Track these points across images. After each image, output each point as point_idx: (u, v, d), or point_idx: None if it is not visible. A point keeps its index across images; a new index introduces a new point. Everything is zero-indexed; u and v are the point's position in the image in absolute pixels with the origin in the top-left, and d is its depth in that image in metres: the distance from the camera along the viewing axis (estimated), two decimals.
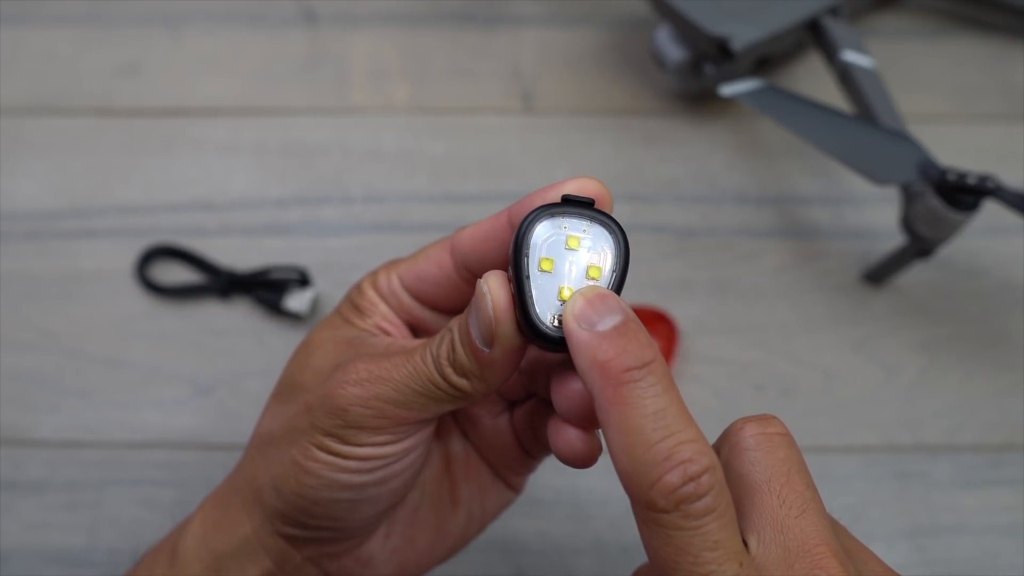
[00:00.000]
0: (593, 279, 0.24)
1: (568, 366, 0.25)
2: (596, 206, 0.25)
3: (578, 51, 0.53)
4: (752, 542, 0.23)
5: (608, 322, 0.23)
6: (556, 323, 0.24)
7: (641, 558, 0.40)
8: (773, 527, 0.23)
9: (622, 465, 0.22)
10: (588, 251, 0.24)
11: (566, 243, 0.24)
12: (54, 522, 0.40)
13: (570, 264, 0.24)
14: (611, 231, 0.24)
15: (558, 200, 0.25)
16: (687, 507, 0.22)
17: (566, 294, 0.24)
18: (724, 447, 0.25)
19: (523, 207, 0.26)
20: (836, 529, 0.24)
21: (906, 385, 0.44)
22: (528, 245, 0.24)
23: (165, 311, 0.45)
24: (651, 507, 0.22)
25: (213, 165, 0.49)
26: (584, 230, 0.24)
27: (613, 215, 0.25)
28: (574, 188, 0.25)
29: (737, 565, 0.22)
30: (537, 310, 0.24)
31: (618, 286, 0.24)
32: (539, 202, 0.25)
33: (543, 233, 0.24)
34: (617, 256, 0.24)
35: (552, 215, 0.24)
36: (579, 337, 0.23)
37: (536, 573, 0.40)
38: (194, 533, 0.30)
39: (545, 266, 0.24)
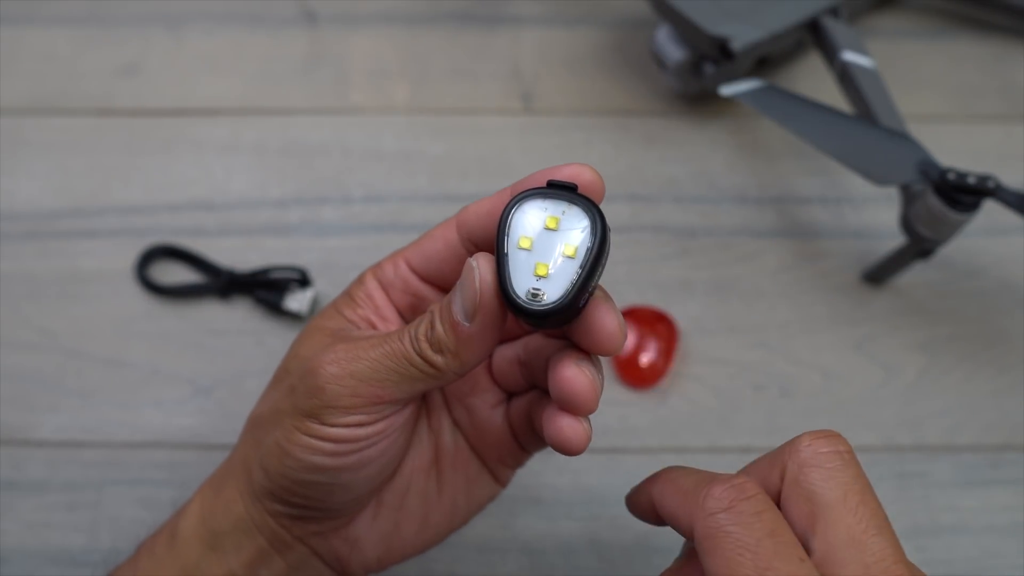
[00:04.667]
0: (568, 257, 0.25)
1: (563, 352, 0.26)
2: (586, 192, 0.26)
3: (578, 51, 0.53)
4: (827, 561, 0.24)
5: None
6: (529, 296, 0.25)
7: (641, 557, 0.40)
8: (851, 543, 0.23)
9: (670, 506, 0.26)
10: (565, 231, 0.25)
11: (545, 223, 0.26)
12: (54, 522, 0.40)
13: (547, 243, 0.25)
14: (589, 213, 0.26)
15: (544, 185, 0.26)
16: (740, 503, 0.23)
17: (541, 270, 0.25)
18: (791, 462, 0.25)
19: (523, 186, 0.27)
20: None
21: (906, 385, 0.44)
22: (508, 225, 0.26)
23: (165, 311, 0.45)
24: (705, 511, 0.24)
25: (213, 165, 0.49)
26: (563, 212, 0.26)
27: (600, 201, 0.26)
28: (568, 174, 0.26)
29: (798, 560, 0.23)
30: (513, 284, 0.25)
31: (592, 265, 0.25)
32: (534, 182, 0.27)
33: (525, 214, 0.26)
34: (592, 236, 0.25)
35: (535, 198, 0.26)
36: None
37: (536, 573, 0.40)
38: (192, 513, 0.31)
39: (524, 244, 0.25)
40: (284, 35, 0.53)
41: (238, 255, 0.46)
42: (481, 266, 0.26)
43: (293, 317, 0.45)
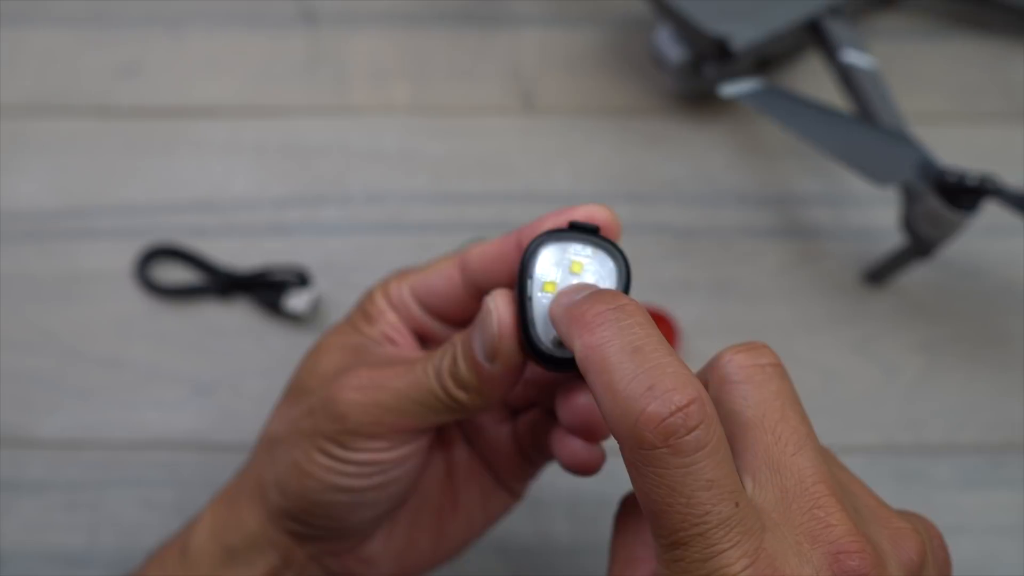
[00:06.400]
0: None
1: (573, 380, 0.26)
2: (603, 232, 0.26)
3: (578, 51, 0.53)
4: (747, 483, 0.22)
5: (584, 293, 0.23)
6: (555, 343, 0.24)
7: None
8: (768, 466, 0.22)
9: (606, 407, 0.21)
10: (590, 275, 0.25)
11: (570, 267, 0.25)
12: (54, 522, 0.40)
13: None
14: (614, 258, 0.25)
15: (565, 226, 0.26)
16: (676, 441, 0.20)
17: None
18: (711, 380, 0.24)
19: (532, 230, 0.26)
20: (830, 462, 0.23)
21: (906, 385, 0.44)
22: (532, 268, 0.25)
23: (165, 311, 0.45)
24: (639, 444, 0.20)
25: (213, 165, 0.49)
26: (588, 256, 0.25)
27: (617, 239, 0.26)
28: (584, 214, 0.26)
29: (733, 505, 0.20)
30: (538, 330, 0.25)
31: None
32: (548, 226, 0.26)
33: (548, 257, 0.25)
34: (619, 281, 0.25)
35: (558, 240, 0.25)
36: (557, 310, 0.23)
37: (536, 573, 0.40)
38: (204, 529, 0.31)
39: (548, 288, 0.25)
40: (284, 35, 0.53)
41: (238, 255, 0.46)
42: (500, 308, 0.25)
43: (293, 318, 0.45)
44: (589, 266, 0.25)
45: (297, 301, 0.44)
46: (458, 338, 0.27)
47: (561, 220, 0.26)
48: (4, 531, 0.40)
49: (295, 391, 0.30)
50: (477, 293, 0.28)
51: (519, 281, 0.25)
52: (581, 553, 0.40)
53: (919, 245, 0.42)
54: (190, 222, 0.47)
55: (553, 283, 0.25)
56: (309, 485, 0.28)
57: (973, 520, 0.41)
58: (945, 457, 0.42)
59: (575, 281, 0.25)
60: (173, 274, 0.46)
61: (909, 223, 0.42)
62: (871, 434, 0.43)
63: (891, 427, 0.43)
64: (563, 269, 0.25)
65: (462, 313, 0.29)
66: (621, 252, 0.25)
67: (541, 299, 0.25)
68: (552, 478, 0.41)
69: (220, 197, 0.48)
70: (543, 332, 0.24)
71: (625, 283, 0.25)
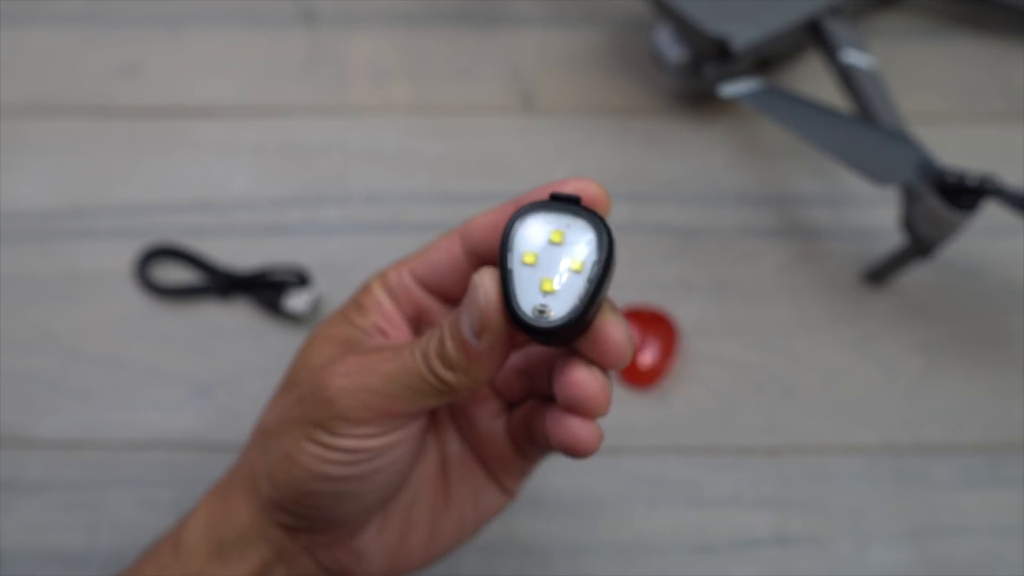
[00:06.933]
0: (575, 271, 0.25)
1: (570, 357, 0.26)
2: (591, 206, 0.26)
3: (578, 51, 0.53)
4: None
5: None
6: (536, 313, 0.25)
7: (640, 556, 0.40)
8: None
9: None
10: (570, 245, 0.25)
11: (549, 238, 0.25)
12: (54, 523, 0.40)
13: (552, 257, 0.25)
14: (594, 225, 0.25)
15: (546, 198, 0.26)
16: None
17: (547, 286, 0.25)
18: None
19: (527, 199, 0.27)
20: None
21: (906, 385, 0.44)
22: (512, 241, 0.25)
23: (165, 311, 0.45)
24: None
25: (213, 165, 0.49)
26: (568, 225, 0.25)
27: (607, 214, 0.26)
28: (573, 187, 0.26)
29: None
30: (519, 301, 0.25)
31: (599, 278, 0.25)
32: (535, 197, 0.26)
33: (528, 229, 0.25)
34: (599, 249, 0.25)
35: (538, 212, 0.25)
36: None
37: (536, 573, 0.40)
38: (197, 522, 0.31)
39: (528, 260, 0.25)
40: (284, 35, 0.53)
41: (238, 255, 0.46)
42: (486, 283, 0.25)
43: (293, 318, 0.45)
44: (570, 235, 0.25)
45: (297, 301, 0.44)
46: (445, 321, 0.27)
47: (546, 193, 0.26)
48: (3, 531, 0.40)
49: (288, 384, 0.30)
50: (480, 263, 0.29)
51: (500, 255, 0.25)
52: (580, 553, 0.40)
53: (919, 245, 0.42)
54: (190, 222, 0.47)
55: (534, 254, 0.25)
56: (296, 474, 0.28)
57: (973, 520, 0.41)
58: (945, 457, 0.42)
59: (556, 252, 0.25)
60: (173, 274, 0.46)
61: (909, 223, 0.42)
62: (871, 434, 0.43)
63: (891, 427, 0.43)
64: (543, 240, 0.25)
65: (464, 288, 0.29)
66: (603, 220, 0.25)
67: (522, 271, 0.25)
68: (551, 477, 0.41)
69: (219, 197, 0.48)
70: (525, 303, 0.25)
71: (608, 251, 0.25)
